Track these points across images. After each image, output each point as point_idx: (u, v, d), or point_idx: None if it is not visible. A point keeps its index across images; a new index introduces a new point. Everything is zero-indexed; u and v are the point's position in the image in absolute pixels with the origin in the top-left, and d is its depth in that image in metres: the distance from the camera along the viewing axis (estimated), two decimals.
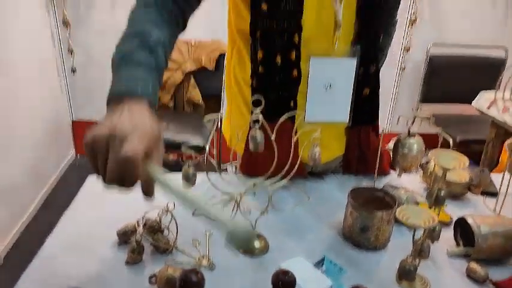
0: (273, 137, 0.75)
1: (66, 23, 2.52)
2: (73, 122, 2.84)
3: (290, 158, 0.79)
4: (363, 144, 1.05)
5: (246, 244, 0.50)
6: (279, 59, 0.90)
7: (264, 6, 0.86)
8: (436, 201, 0.63)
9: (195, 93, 2.46)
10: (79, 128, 2.85)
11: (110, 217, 0.84)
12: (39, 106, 2.42)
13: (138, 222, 0.79)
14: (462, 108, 2.59)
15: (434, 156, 0.65)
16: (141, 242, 0.73)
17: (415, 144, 0.96)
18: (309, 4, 0.86)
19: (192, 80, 2.46)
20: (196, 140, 2.07)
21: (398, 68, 2.74)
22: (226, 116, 1.15)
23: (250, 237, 0.51)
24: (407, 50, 2.67)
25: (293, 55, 0.89)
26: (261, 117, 0.73)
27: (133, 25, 0.72)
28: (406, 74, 2.76)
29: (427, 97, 2.67)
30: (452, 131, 2.43)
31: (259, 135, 0.74)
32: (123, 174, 0.51)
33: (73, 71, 2.67)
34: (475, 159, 2.55)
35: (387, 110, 2.84)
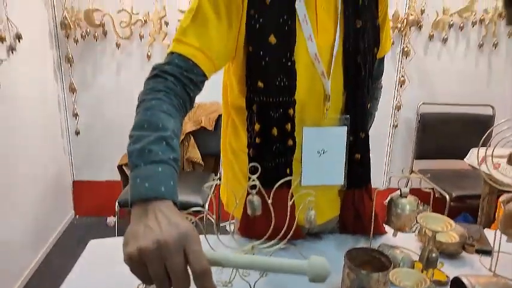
0: (270, 202, 0.79)
1: (72, 90, 2.65)
2: (74, 182, 2.87)
3: (287, 221, 0.83)
4: (358, 206, 1.09)
5: (325, 275, 0.54)
6: (275, 131, 0.94)
7: (260, 84, 0.91)
8: (428, 264, 0.66)
9: (194, 153, 2.53)
10: (79, 188, 2.88)
11: (111, 282, 0.85)
12: (42, 166, 2.47)
13: (138, 287, 0.80)
14: (456, 164, 2.65)
15: (422, 220, 0.69)
16: None
17: (408, 204, 0.99)
18: (300, 79, 0.92)
19: (192, 140, 2.53)
20: (195, 199, 2.09)
21: (391, 126, 2.83)
22: (223, 181, 1.19)
23: (327, 269, 0.54)
24: (398, 108, 2.78)
25: (288, 126, 0.94)
26: (257, 182, 0.77)
27: (146, 114, 0.72)
28: (399, 131, 2.86)
29: (420, 153, 2.74)
30: (448, 187, 2.47)
31: (256, 200, 0.78)
32: (199, 284, 0.53)
33: (77, 133, 2.75)
34: (472, 214, 2.57)
35: (383, 167, 2.90)
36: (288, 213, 0.81)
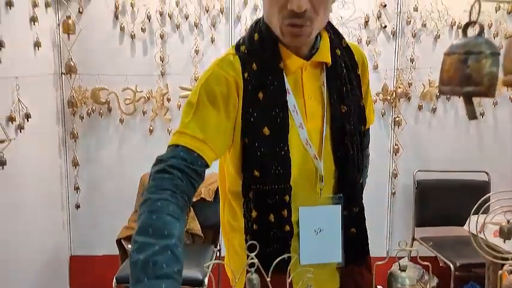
0: (268, 279, 0.80)
1: (75, 164, 2.72)
2: (71, 257, 2.82)
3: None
4: (358, 280, 1.08)
5: None
6: (272, 217, 0.96)
7: (256, 173, 0.95)
8: None
9: (194, 225, 2.52)
10: (76, 263, 2.82)
11: None
12: (41, 242, 2.44)
13: None
14: (457, 230, 2.64)
15: None
16: None
17: (407, 278, 0.99)
18: (294, 164, 0.96)
19: (192, 212, 2.54)
20: (195, 274, 2.05)
21: (389, 194, 2.86)
22: (226, 256, 1.20)
23: None
24: (394, 176, 2.83)
25: (285, 212, 0.96)
26: (256, 261, 0.79)
27: (151, 218, 0.72)
28: (397, 199, 2.88)
29: (421, 220, 2.74)
30: (451, 255, 2.43)
31: (255, 278, 0.79)
32: None
33: (77, 206, 2.76)
34: (479, 283, 2.50)
35: (384, 235, 2.87)
36: None
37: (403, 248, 1.05)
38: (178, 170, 0.82)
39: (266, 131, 0.94)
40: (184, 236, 2.52)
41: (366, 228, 1.10)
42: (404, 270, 1.01)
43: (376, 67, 2.72)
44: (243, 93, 0.95)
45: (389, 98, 2.75)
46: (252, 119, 0.94)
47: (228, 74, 0.94)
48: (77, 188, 2.74)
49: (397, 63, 2.74)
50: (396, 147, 2.80)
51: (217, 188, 2.57)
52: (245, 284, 1.01)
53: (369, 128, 1.19)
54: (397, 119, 2.78)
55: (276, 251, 0.97)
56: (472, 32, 0.73)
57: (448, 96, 2.80)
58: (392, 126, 2.80)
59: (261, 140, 0.93)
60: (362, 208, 1.09)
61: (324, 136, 0.99)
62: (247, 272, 0.81)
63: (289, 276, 0.85)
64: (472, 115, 0.72)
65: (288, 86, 0.96)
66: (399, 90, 2.72)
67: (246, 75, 0.95)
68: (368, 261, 1.10)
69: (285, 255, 0.84)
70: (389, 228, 2.86)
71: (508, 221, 1.00)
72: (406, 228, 2.81)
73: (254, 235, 0.99)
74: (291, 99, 0.96)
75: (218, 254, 2.52)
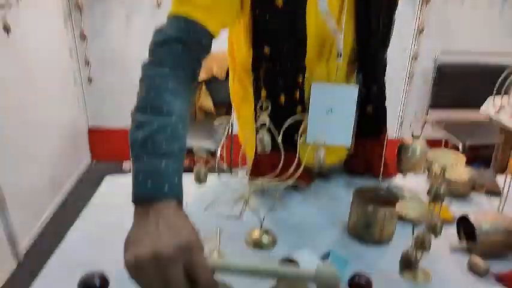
0: (279, 139, 0.80)
1: (83, 37, 2.63)
2: (89, 129, 2.93)
3: (296, 159, 0.84)
4: (368, 155, 1.09)
5: (335, 285, 0.49)
6: (282, 99, 0.90)
7: (266, 50, 0.86)
8: (435, 197, 0.67)
9: (206, 101, 2.53)
10: (94, 134, 2.94)
11: (128, 213, 0.89)
12: (57, 114, 2.51)
13: None
14: (471, 114, 2.61)
15: (433, 155, 0.69)
16: None
17: (418, 147, 0.99)
18: (310, 41, 0.86)
19: (204, 88, 2.52)
20: (207, 145, 2.12)
21: (407, 76, 2.77)
22: (238, 126, 1.20)
23: (337, 278, 0.49)
24: (415, 58, 2.70)
25: (297, 95, 0.90)
26: (267, 120, 0.78)
27: (149, 95, 0.67)
28: (415, 81, 2.79)
29: (436, 103, 2.69)
30: (462, 137, 2.44)
31: (266, 138, 0.79)
32: None
33: (89, 80, 2.76)
34: (485, 165, 2.56)
35: (396, 117, 2.86)
36: (298, 149, 0.82)
37: (418, 119, 1.03)
38: (180, 42, 0.73)
39: (279, 2, 0.82)
40: (197, 112, 2.55)
41: (385, 108, 1.05)
42: (417, 139, 1.01)
43: None
44: None
45: None
46: None
47: None
48: (87, 62, 2.70)
49: None
50: (421, 27, 2.60)
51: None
52: (256, 150, 1.03)
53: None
54: None
55: (286, 131, 0.91)
56: None
57: None
58: (420, 4, 2.56)
59: (273, 12, 0.83)
60: (382, 87, 1.03)
61: (345, 6, 0.87)
62: (258, 132, 0.81)
63: (300, 137, 0.84)
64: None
65: None
66: None
67: None
68: (382, 139, 1.08)
69: (296, 116, 0.82)
70: (402, 110, 2.84)
71: None
72: (420, 110, 2.78)
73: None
74: None
75: (230, 130, 2.57)
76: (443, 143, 2.58)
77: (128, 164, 2.85)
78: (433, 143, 2.77)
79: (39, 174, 2.29)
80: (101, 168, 2.94)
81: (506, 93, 2.01)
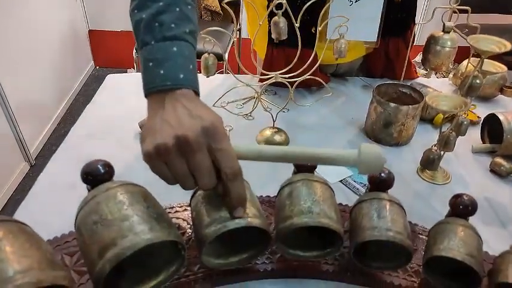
0: (297, 24, 0.71)
1: None
2: (89, 31, 2.78)
3: (313, 53, 0.75)
4: (391, 54, 0.99)
5: (380, 165, 0.43)
6: None
7: None
8: (469, 90, 0.60)
9: (213, 0, 2.34)
10: (96, 37, 2.80)
11: (131, 110, 0.84)
12: (54, 17, 2.35)
13: None
14: (501, 18, 2.40)
15: (473, 41, 0.60)
16: None
17: (449, 41, 0.89)
18: None
19: None
20: (214, 48, 2.00)
21: None
22: (247, 14, 1.09)
23: (382, 157, 0.43)
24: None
25: None
26: (284, 1, 0.68)
27: None
28: None
29: (464, 5, 2.47)
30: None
31: (282, 21, 0.69)
32: (229, 186, 0.44)
33: None
34: None
35: (420, 12, 2.64)
36: (319, 24, 0.72)
37: (449, 7, 0.91)
38: None
39: None
40: (202, 13, 2.38)
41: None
42: (448, 32, 0.91)
43: None
44: None
45: None
46: None
47: None
48: None
49: None
50: None
51: None
52: (269, 38, 0.94)
53: None
54: None
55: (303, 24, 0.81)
56: None
57: None
58: None
59: None
60: None
61: None
62: (272, 15, 0.71)
63: (319, 26, 0.75)
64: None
65: None
66: None
67: None
68: (407, 36, 0.98)
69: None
70: (427, 7, 2.62)
71: None
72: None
73: None
74: None
75: (238, 34, 2.42)
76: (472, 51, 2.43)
77: (132, 70, 2.75)
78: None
79: (41, 80, 2.22)
80: (104, 74, 2.86)
81: None
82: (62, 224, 0.53)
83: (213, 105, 0.84)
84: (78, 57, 2.71)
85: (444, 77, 1.04)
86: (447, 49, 0.89)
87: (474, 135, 0.82)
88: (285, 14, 0.69)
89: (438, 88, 0.97)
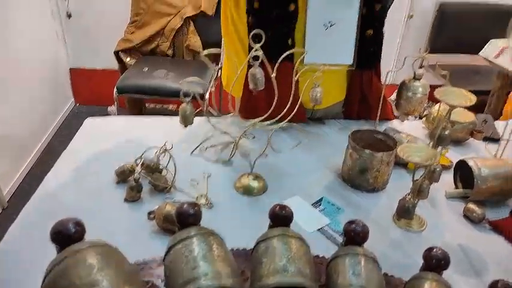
0: (273, 75, 0.73)
1: None
2: (71, 69, 2.78)
3: (290, 98, 0.77)
4: (365, 88, 1.03)
5: None
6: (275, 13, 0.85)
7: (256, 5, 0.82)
8: (439, 140, 0.62)
9: (195, 41, 2.39)
10: (77, 75, 2.80)
11: (108, 157, 0.84)
12: (37, 52, 2.35)
13: (136, 161, 0.78)
14: (470, 59, 2.52)
15: (441, 94, 0.63)
16: (139, 181, 0.73)
17: (420, 87, 0.93)
18: None
19: (192, 27, 2.37)
20: (196, 88, 2.03)
21: (406, 16, 2.63)
22: (224, 61, 1.12)
23: None
24: None
25: (292, 7, 0.85)
26: (260, 53, 0.70)
27: None
28: (414, 22, 2.66)
29: (434, 46, 2.59)
30: (458, 82, 2.37)
31: (259, 72, 0.72)
32: None
33: (68, 15, 2.57)
34: (480, 111, 2.53)
35: (392, 60, 2.76)
36: (292, 90, 0.76)
37: (420, 55, 0.96)
38: None
39: None
40: (185, 53, 2.42)
41: (383, 34, 0.99)
42: (419, 79, 0.95)
43: None
44: None
45: None
46: None
47: None
48: None
49: None
50: None
51: (219, 2, 2.34)
52: (245, 84, 0.96)
53: None
54: None
55: (278, 38, 0.88)
56: None
57: None
58: None
59: None
60: (384, 10, 0.96)
61: None
62: (249, 66, 0.73)
63: (296, 74, 0.77)
64: None
65: None
66: None
67: None
68: (379, 69, 1.03)
69: (292, 50, 0.75)
70: (397, 54, 2.74)
71: None
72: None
73: (256, 16, 0.89)
74: None
75: (219, 73, 2.47)
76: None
77: (112, 108, 2.74)
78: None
79: (19, 116, 2.19)
80: (84, 111, 2.83)
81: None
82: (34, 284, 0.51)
83: (191, 154, 0.85)
84: (58, 95, 2.70)
85: (420, 118, 1.07)
86: (418, 95, 0.93)
87: (448, 179, 0.84)
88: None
89: (412, 131, 1.00)
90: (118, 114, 2.24)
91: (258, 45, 0.69)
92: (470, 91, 2.31)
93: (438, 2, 2.51)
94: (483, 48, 1.99)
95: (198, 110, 0.77)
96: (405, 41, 2.71)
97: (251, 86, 0.73)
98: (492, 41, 1.98)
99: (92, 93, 2.83)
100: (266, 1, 0.85)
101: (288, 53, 0.74)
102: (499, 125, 1.06)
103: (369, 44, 0.96)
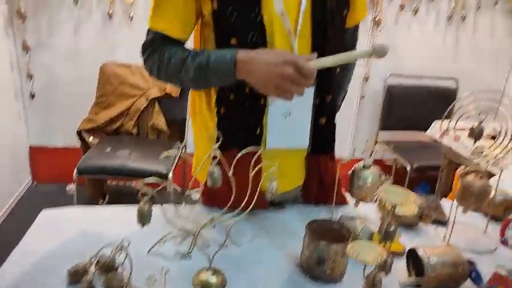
0: (230, 173, 0.76)
1: (26, 48, 2.46)
2: (30, 147, 2.73)
3: (248, 191, 0.80)
4: (322, 173, 1.09)
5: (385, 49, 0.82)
6: (247, 89, 0.92)
7: (234, 41, 0.91)
8: (386, 236, 0.66)
9: (159, 120, 2.44)
10: (37, 154, 2.75)
11: (62, 254, 0.81)
12: None
13: (91, 259, 0.76)
14: (419, 136, 2.72)
15: (384, 193, 0.68)
16: (92, 282, 0.71)
17: (370, 176, 0.99)
18: (270, 37, 0.91)
19: (157, 107, 2.44)
20: (159, 168, 2.04)
21: (358, 97, 2.85)
22: (194, 141, 1.17)
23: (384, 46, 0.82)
24: (366, 79, 2.79)
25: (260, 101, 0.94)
26: (218, 153, 0.74)
27: (170, 62, 0.93)
28: (366, 102, 2.88)
29: (386, 125, 2.79)
30: (410, 158, 2.53)
31: (216, 171, 0.75)
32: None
33: (32, 96, 2.58)
34: (431, 185, 2.68)
35: (348, 137, 2.93)
36: (250, 183, 0.79)
37: (368, 146, 1.04)
38: (160, 46, 0.95)
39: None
40: (149, 132, 2.46)
41: (335, 123, 1.08)
42: (369, 168, 1.01)
43: None
44: None
45: None
46: None
47: None
48: (30, 76, 2.53)
49: None
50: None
51: None
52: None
53: (357, 27, 1.13)
54: (377, 18, 2.63)
55: (247, 126, 0.97)
56: None
57: None
58: (371, 27, 2.66)
59: (234, 4, 0.89)
60: (335, 101, 1.06)
61: (302, 9, 0.92)
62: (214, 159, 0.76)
63: (254, 168, 0.81)
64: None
65: None
66: None
67: None
68: (333, 153, 1.11)
69: (252, 148, 0.79)
70: (354, 131, 2.91)
71: (480, 122, 0.98)
72: (371, 132, 2.87)
73: (228, 106, 0.97)
74: None
75: (184, 150, 2.50)
76: (394, 166, 2.67)
77: (71, 187, 2.66)
78: (383, 164, 2.86)
79: None
80: (42, 190, 2.74)
81: (449, 117, 2.11)
82: None
83: (147, 253, 0.84)
84: (15, 172, 2.61)
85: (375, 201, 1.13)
86: (369, 184, 0.99)
87: (401, 265, 0.87)
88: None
89: (367, 215, 1.05)
90: (77, 193, 2.18)
91: (215, 146, 0.73)
92: (420, 167, 2.46)
93: (386, 84, 2.76)
94: (429, 129, 2.17)
95: (161, 187, 0.78)
96: (360, 119, 2.91)
97: (209, 183, 0.76)
98: (436, 122, 2.16)
99: (52, 171, 2.77)
100: (239, 94, 0.95)
101: (247, 150, 0.78)
102: (446, 206, 1.13)
103: (323, 131, 1.04)
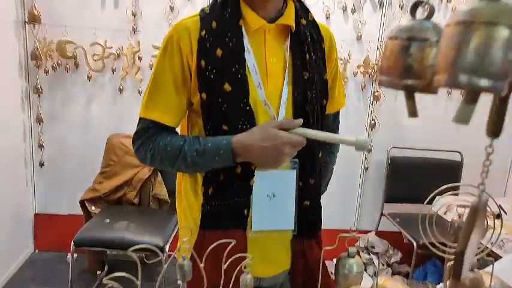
0: (202, 265, 0.75)
1: (39, 120, 2.59)
2: (35, 215, 2.76)
3: (233, 278, 0.78)
4: (308, 257, 1.06)
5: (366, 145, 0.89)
6: (239, 169, 0.96)
7: (225, 127, 0.96)
8: None
9: (161, 190, 2.47)
10: (41, 221, 2.76)
11: None
12: (2, 197, 2.36)
13: None
14: (426, 208, 2.64)
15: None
16: None
17: (355, 265, 0.96)
18: (259, 123, 0.97)
19: (159, 177, 2.48)
20: (156, 240, 2.02)
21: (362, 169, 2.84)
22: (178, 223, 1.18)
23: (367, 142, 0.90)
24: (369, 151, 2.80)
25: (253, 166, 0.98)
26: (188, 246, 0.74)
27: (166, 149, 0.97)
28: (370, 174, 2.86)
29: (390, 196, 2.74)
30: (416, 233, 2.45)
31: (186, 264, 0.74)
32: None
33: (41, 164, 2.67)
34: (441, 260, 2.56)
35: (354, 209, 2.88)
36: (222, 275, 0.77)
37: (352, 235, 1.02)
38: (154, 135, 0.99)
39: (227, 87, 0.94)
40: (151, 201, 2.47)
41: (320, 205, 1.08)
42: (353, 257, 0.98)
43: (359, 38, 2.61)
44: (198, 52, 0.95)
45: (370, 71, 2.66)
46: (211, 76, 0.94)
47: (182, 41, 0.96)
48: (41, 146, 2.63)
49: (382, 36, 2.63)
50: (373, 122, 2.75)
51: None
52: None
53: (338, 112, 1.18)
54: (376, 93, 2.71)
55: (235, 206, 0.98)
56: (422, 14, 0.60)
57: None
58: (371, 101, 2.73)
59: (223, 95, 0.94)
60: (318, 184, 1.07)
61: (284, 99, 0.98)
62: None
63: (225, 263, 0.80)
64: (412, 112, 0.63)
65: (248, 45, 0.96)
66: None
67: (203, 33, 0.95)
68: (319, 236, 1.09)
69: (225, 241, 0.79)
70: (359, 203, 2.87)
71: (460, 216, 0.95)
72: (376, 203, 2.82)
73: (218, 186, 0.99)
74: (250, 58, 0.96)
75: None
76: (403, 240, 2.58)
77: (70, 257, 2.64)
78: (390, 236, 2.77)
79: None
80: (44, 258, 2.72)
81: (455, 193, 2.07)
82: None
83: None
84: (18, 240, 2.62)
85: None
86: (354, 273, 0.95)
87: None
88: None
89: None
90: (77, 263, 2.15)
91: (186, 238, 0.73)
92: (427, 244, 2.32)
93: (389, 156, 2.76)
94: (433, 204, 2.12)
95: (158, 259, 0.77)
96: (366, 191, 2.88)
97: (178, 277, 0.75)
98: (438, 197, 2.12)
99: (54, 239, 2.76)
100: (230, 175, 0.97)
101: (219, 242, 0.77)
102: None
103: (307, 213, 1.04)
